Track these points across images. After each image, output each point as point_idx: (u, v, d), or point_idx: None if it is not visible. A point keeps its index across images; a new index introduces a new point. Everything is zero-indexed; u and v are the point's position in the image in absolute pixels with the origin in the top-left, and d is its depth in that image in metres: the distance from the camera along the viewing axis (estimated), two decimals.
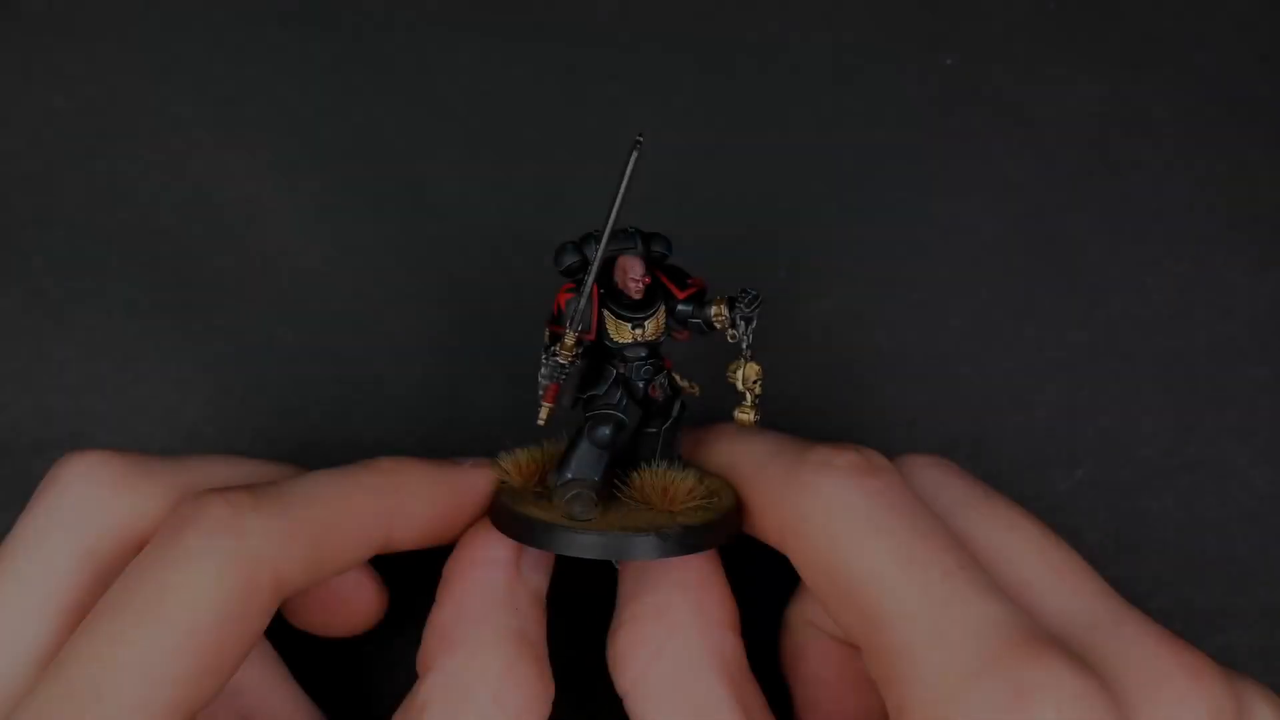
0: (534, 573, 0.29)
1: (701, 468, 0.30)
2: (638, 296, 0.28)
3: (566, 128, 0.37)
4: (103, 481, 0.27)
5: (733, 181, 0.37)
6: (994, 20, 0.38)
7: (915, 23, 0.38)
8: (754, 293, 0.28)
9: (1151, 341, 0.36)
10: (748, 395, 0.29)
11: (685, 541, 0.27)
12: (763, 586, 0.31)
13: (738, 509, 0.29)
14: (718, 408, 0.33)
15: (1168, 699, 0.24)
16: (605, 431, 0.28)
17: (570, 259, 0.28)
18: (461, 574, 0.28)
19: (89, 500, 0.27)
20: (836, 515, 0.26)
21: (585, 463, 0.28)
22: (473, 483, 0.29)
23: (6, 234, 0.36)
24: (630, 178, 0.26)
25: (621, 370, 0.28)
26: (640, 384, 0.28)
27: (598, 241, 0.27)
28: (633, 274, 0.27)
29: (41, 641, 0.26)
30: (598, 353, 0.29)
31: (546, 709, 0.27)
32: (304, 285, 0.36)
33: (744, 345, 0.28)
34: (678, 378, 0.29)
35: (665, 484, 0.28)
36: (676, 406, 0.29)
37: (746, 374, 0.28)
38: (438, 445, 0.35)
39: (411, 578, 0.30)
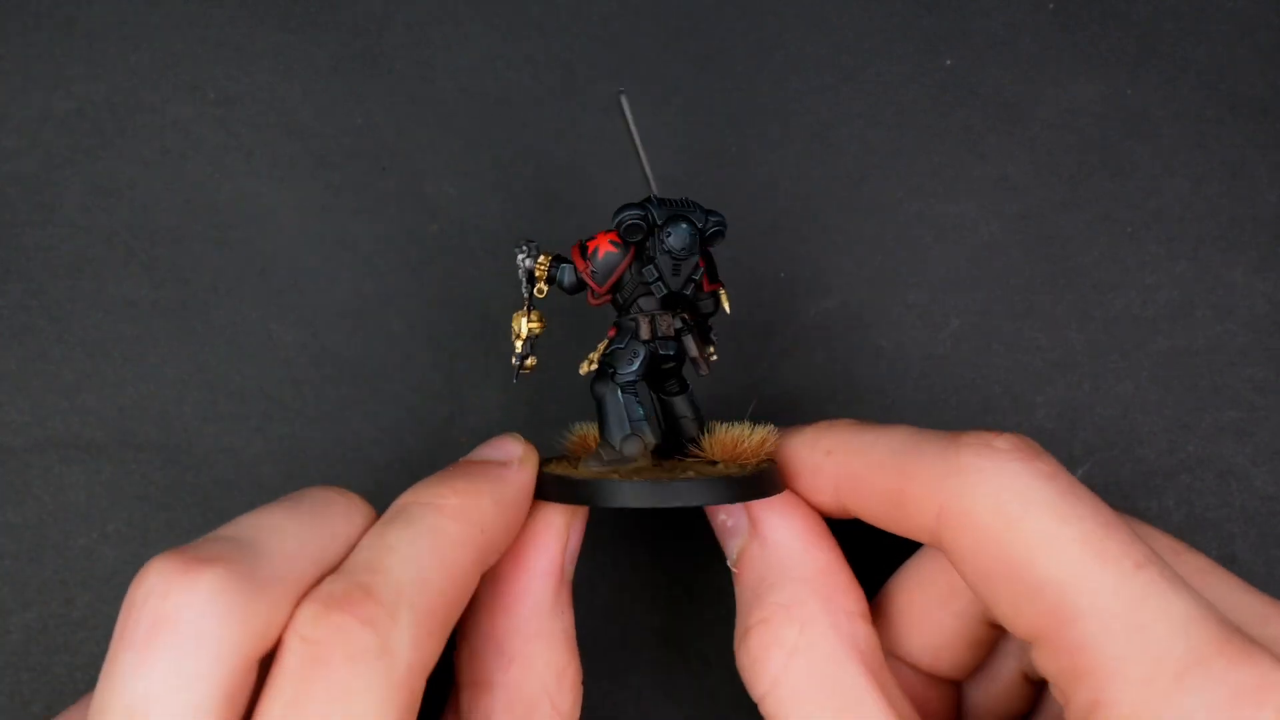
0: (572, 565, 0.29)
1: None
2: None
3: (566, 128, 0.37)
4: (223, 615, 0.23)
5: (733, 181, 0.37)
6: (994, 20, 0.38)
7: (915, 23, 0.38)
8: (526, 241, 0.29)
9: (1151, 341, 0.36)
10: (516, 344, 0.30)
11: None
12: None
13: (777, 466, 0.29)
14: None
15: None
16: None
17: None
18: (512, 584, 0.28)
19: (218, 642, 0.23)
20: (1011, 501, 0.24)
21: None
22: (521, 483, 0.28)
23: (6, 234, 0.36)
24: (633, 126, 0.28)
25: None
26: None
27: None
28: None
29: None
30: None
31: (581, 694, 0.28)
32: (303, 285, 0.36)
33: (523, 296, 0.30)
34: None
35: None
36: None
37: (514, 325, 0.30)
38: (437, 445, 0.35)
39: None
